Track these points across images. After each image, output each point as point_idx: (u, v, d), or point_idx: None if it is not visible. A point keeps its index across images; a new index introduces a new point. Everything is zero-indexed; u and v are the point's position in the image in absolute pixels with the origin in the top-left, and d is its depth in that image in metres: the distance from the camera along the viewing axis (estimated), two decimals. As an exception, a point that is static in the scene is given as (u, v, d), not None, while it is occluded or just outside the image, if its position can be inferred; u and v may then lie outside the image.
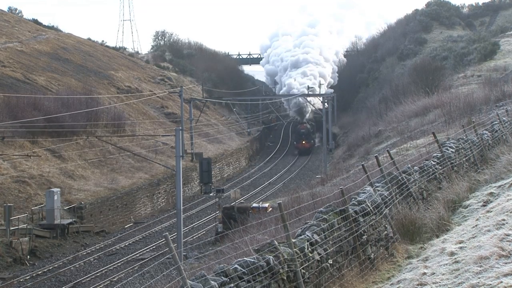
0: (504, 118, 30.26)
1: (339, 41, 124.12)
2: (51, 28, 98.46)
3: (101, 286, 33.67)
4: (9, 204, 39.90)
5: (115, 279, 34.76)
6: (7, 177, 44.99)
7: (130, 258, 39.27)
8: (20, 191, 45.13)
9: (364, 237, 14.47)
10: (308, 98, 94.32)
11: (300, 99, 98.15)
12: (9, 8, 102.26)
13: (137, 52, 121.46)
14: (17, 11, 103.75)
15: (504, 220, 12.89)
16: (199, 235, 44.56)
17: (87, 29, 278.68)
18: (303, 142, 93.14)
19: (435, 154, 22.10)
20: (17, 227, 39.40)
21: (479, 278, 10.08)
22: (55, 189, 44.04)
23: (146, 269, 34.08)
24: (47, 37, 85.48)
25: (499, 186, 18.38)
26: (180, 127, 37.77)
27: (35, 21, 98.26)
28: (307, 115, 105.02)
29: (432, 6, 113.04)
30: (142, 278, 32.20)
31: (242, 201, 50.29)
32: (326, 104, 73.30)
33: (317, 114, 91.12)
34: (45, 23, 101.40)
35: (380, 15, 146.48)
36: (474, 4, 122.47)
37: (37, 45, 79.06)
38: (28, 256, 39.04)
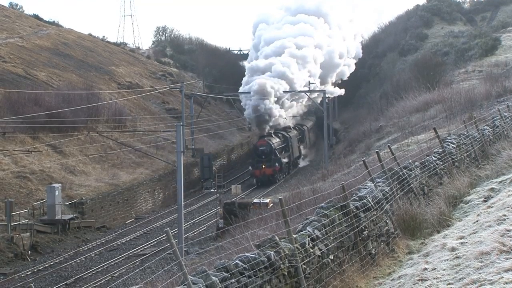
0: (505, 114, 30.29)
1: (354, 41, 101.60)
2: (52, 23, 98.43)
3: (102, 282, 33.70)
4: (10, 200, 39.96)
5: (116, 274, 34.81)
6: (8, 172, 45.04)
7: (131, 254, 39.32)
8: (21, 186, 45.18)
9: (365, 232, 14.50)
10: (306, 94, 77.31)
11: (264, 101, 69.26)
12: (10, 4, 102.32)
13: (138, 48, 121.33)
14: (18, 7, 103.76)
15: (505, 215, 12.89)
16: (200, 230, 44.59)
17: (88, 25, 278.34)
18: (263, 166, 63.30)
19: (436, 150, 22.12)
20: (18, 223, 39.47)
21: (480, 273, 10.09)
22: (56, 185, 44.09)
23: (147, 264, 34.13)
24: (48, 33, 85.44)
25: (500, 182, 18.40)
26: (181, 123, 37.79)
27: (36, 17, 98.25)
28: (270, 124, 71.62)
29: (433, 1, 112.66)
30: (143, 273, 32.21)
31: (243, 196, 50.33)
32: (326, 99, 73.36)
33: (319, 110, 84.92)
34: (46, 18, 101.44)
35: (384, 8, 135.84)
36: (475, 0, 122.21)
37: (38, 41, 79.03)
38: (29, 252, 39.10)
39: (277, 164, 64.41)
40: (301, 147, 78.84)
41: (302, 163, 77.84)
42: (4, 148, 46.36)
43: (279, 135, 70.43)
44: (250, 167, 65.10)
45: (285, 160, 68.03)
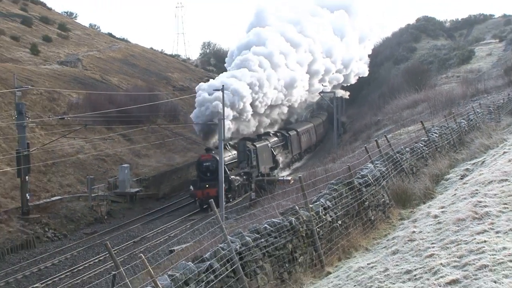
0: (478, 110, 29.93)
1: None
2: (122, 40, 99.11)
3: (161, 240, 33.99)
4: (91, 177, 40.50)
5: (172, 234, 35.07)
6: (89, 155, 45.59)
7: (183, 219, 39.55)
8: (99, 166, 45.71)
9: (366, 203, 14.46)
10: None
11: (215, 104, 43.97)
12: (90, 24, 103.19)
13: (188, 59, 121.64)
14: (96, 26, 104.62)
15: (477, 190, 12.76)
16: (237, 201, 44.66)
17: (150, 40, 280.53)
18: (206, 185, 40.53)
19: (422, 138, 21.94)
20: (97, 194, 40.01)
21: (457, 235, 10.02)
22: (125, 165, 44.52)
23: (196, 227, 34.28)
24: (119, 47, 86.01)
25: (473, 163, 18.21)
26: (222, 117, 37.83)
27: (110, 34, 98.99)
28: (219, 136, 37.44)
29: (421, 21, 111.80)
30: (193, 234, 32.37)
31: (271, 174, 50.11)
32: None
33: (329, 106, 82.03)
34: (117, 35, 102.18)
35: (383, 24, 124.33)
36: (454, 20, 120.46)
37: (112, 53, 79.61)
38: (106, 217, 39.62)
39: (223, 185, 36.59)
40: (281, 157, 54.17)
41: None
42: (86, 137, 46.90)
43: (237, 145, 46.39)
44: (191, 187, 41.44)
45: (241, 178, 44.12)
